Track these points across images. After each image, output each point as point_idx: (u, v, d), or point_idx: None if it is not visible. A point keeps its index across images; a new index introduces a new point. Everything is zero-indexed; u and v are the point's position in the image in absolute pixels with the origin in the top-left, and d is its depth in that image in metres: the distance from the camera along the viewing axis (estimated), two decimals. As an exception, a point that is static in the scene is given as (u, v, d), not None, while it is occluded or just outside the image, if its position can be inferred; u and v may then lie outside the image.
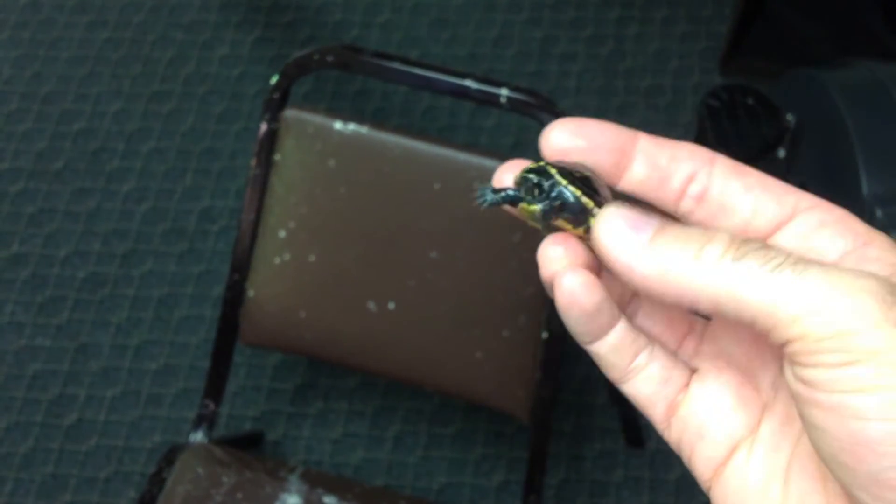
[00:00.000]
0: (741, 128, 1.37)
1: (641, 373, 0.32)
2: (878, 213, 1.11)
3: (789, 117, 1.34)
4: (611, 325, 0.31)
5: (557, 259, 0.31)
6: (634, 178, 0.32)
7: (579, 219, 0.30)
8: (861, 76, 1.24)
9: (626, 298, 0.33)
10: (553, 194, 0.30)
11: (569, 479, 1.34)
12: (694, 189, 0.31)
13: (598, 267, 0.32)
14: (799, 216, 0.30)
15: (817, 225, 0.30)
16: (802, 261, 0.26)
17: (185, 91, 1.69)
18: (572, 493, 1.33)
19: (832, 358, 0.25)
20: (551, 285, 0.31)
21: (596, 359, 0.32)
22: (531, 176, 0.30)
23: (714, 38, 1.73)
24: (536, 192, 0.30)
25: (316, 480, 0.98)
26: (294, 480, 0.97)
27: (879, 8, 1.52)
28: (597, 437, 1.36)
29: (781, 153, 1.37)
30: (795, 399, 0.27)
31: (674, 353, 0.33)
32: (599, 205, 0.30)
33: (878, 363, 0.24)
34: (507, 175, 0.32)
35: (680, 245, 0.28)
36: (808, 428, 0.26)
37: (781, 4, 1.57)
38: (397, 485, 1.34)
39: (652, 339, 0.33)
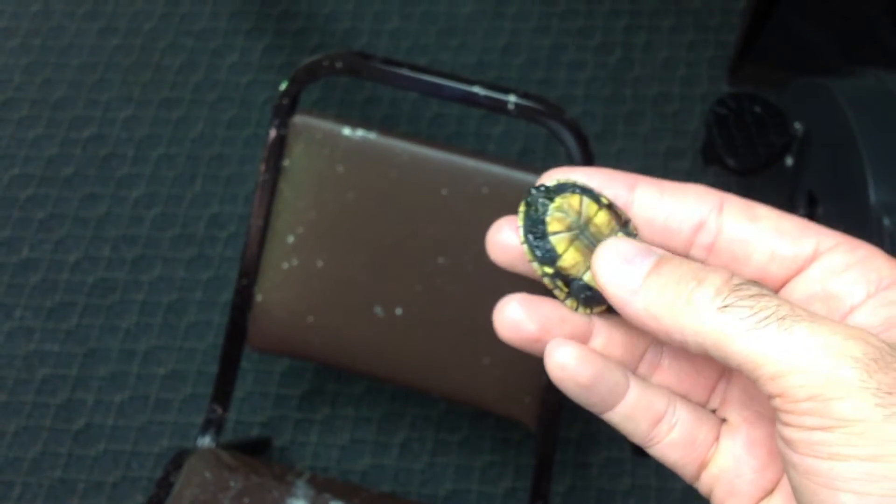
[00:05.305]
0: (749, 136, 1.37)
1: (665, 438, 0.31)
2: (886, 221, 1.11)
3: (797, 126, 1.35)
4: (619, 394, 0.30)
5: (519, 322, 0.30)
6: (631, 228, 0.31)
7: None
8: (869, 85, 1.24)
9: (640, 351, 0.32)
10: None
11: (575, 487, 1.34)
12: (704, 238, 0.30)
13: (587, 331, 0.31)
14: (821, 258, 0.29)
15: (841, 268, 0.28)
16: (792, 315, 0.25)
17: (194, 98, 1.70)
18: (579, 500, 1.33)
19: (808, 421, 0.24)
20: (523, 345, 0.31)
21: (615, 427, 0.32)
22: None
23: (722, 46, 1.73)
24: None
25: (323, 485, 0.98)
26: (301, 485, 0.97)
27: (887, 17, 1.53)
28: (603, 444, 1.36)
29: (789, 161, 1.37)
30: (782, 458, 0.26)
31: (702, 406, 0.32)
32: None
33: (851, 432, 0.24)
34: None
35: (673, 286, 0.27)
36: (792, 489, 0.26)
37: (790, 13, 1.57)
38: (404, 491, 1.34)
39: (674, 397, 0.32)
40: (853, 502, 0.24)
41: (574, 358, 0.30)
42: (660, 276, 0.28)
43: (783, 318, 0.25)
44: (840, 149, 1.21)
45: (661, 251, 0.29)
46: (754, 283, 0.27)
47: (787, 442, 0.25)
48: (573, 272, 0.30)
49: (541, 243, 0.31)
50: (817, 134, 1.31)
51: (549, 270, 0.31)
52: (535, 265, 0.31)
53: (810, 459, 0.25)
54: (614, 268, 0.28)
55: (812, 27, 1.57)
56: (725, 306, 0.26)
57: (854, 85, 1.25)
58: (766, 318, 0.25)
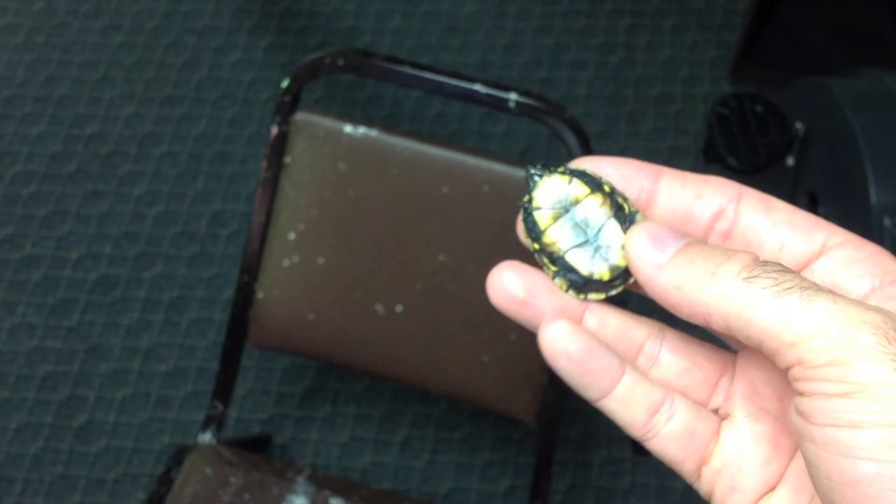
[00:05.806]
0: (750, 136, 1.37)
1: (663, 430, 0.32)
2: (887, 222, 1.11)
3: (798, 125, 1.35)
4: (613, 378, 0.31)
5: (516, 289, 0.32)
6: (657, 214, 0.32)
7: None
8: (870, 85, 1.24)
9: (635, 344, 0.33)
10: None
11: (575, 486, 1.34)
12: (721, 225, 0.31)
13: (580, 314, 0.32)
14: (828, 253, 0.30)
15: (846, 262, 0.29)
16: (814, 287, 0.26)
17: (197, 96, 1.70)
18: (579, 499, 1.33)
19: (827, 387, 0.25)
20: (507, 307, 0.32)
21: (611, 417, 0.32)
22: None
23: (724, 46, 1.73)
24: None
25: (323, 482, 0.98)
26: (301, 482, 0.98)
27: (889, 17, 1.53)
28: (604, 443, 1.36)
29: (790, 161, 1.37)
30: (796, 435, 0.27)
31: (702, 403, 0.32)
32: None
33: (870, 397, 0.24)
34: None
35: (700, 261, 0.28)
36: (808, 467, 0.26)
37: (792, 13, 1.58)
38: (404, 489, 1.34)
39: (672, 391, 0.32)
40: (873, 470, 0.24)
41: (565, 332, 0.31)
42: (688, 253, 0.29)
43: (805, 289, 0.26)
44: (841, 149, 1.21)
45: (690, 237, 0.30)
46: (779, 263, 0.28)
47: (805, 415, 0.25)
48: (554, 249, 0.31)
49: (530, 218, 0.32)
50: (818, 134, 1.31)
51: (535, 246, 0.32)
52: (529, 241, 0.32)
53: (829, 429, 0.25)
54: (644, 245, 0.30)
55: (813, 27, 1.58)
56: (751, 276, 0.27)
57: (855, 85, 1.25)
58: (789, 288, 0.26)
